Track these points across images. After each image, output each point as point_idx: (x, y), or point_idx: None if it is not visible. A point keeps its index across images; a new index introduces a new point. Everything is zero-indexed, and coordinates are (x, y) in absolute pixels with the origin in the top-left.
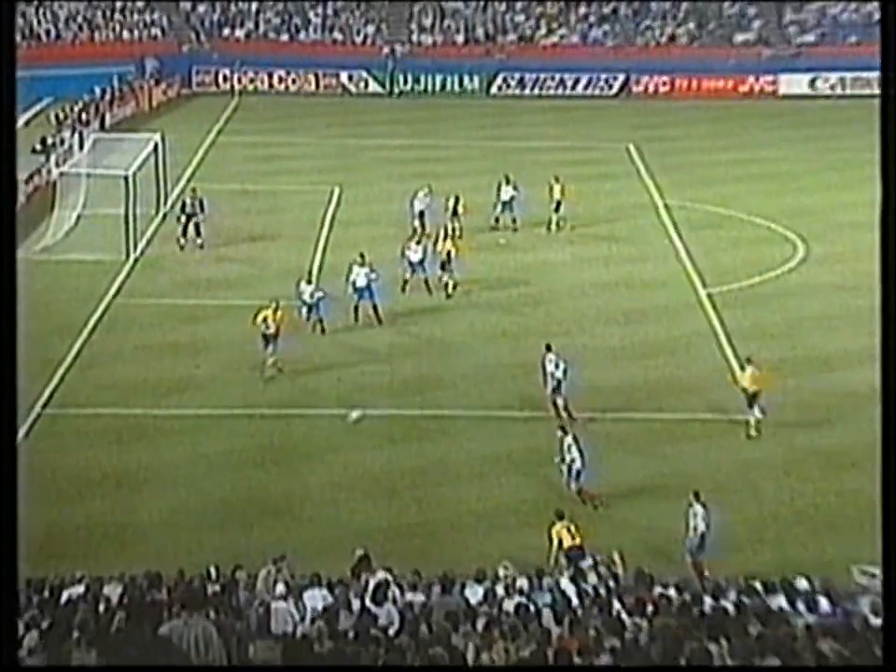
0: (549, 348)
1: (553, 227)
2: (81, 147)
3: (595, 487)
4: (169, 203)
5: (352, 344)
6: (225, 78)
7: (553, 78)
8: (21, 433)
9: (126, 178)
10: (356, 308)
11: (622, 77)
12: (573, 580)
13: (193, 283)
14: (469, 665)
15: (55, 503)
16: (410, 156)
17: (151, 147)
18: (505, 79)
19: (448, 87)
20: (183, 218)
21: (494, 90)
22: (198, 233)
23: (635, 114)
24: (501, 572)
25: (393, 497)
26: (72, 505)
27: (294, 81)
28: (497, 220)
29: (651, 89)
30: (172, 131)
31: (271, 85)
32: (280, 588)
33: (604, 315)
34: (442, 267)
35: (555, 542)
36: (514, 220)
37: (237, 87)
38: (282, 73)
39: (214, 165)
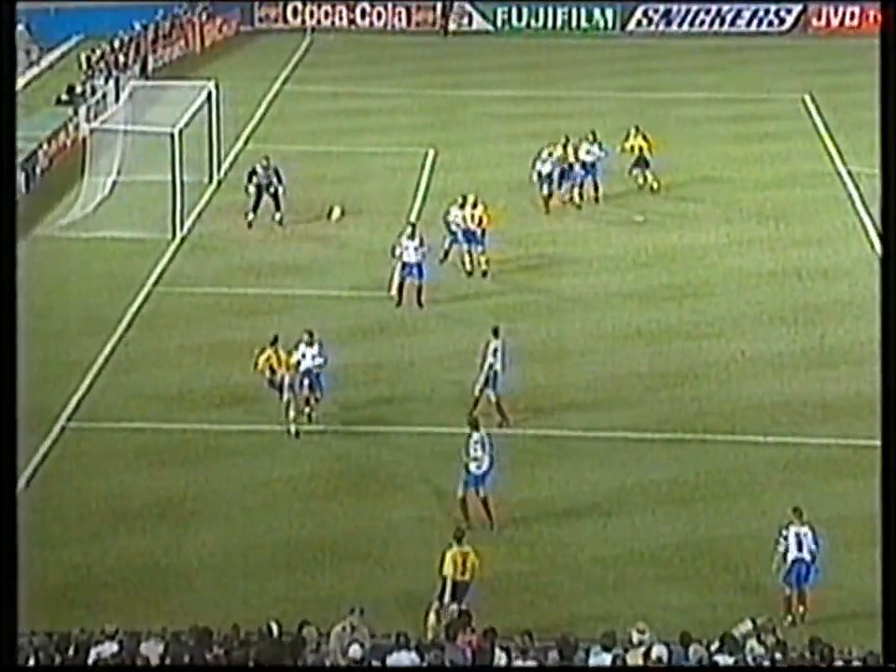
0: (496, 333)
1: (647, 188)
2: (117, 97)
3: (741, 530)
4: (224, 168)
5: (445, 345)
6: (295, 12)
7: (707, 11)
8: (40, 452)
9: (172, 136)
10: (399, 287)
11: (797, 9)
12: (724, 648)
13: (254, 268)
14: None
15: (82, 539)
16: (523, 111)
17: (203, 97)
18: (646, 13)
19: (573, 22)
20: (253, 190)
21: (631, 25)
22: (277, 206)
23: (813, 56)
24: (635, 636)
25: (499, 539)
26: (102, 542)
27: (380, 16)
28: (581, 187)
29: (834, 23)
30: (228, 77)
31: (351, 20)
32: (356, 650)
33: (768, 313)
34: (469, 238)
35: (446, 571)
36: (597, 188)
37: (309, 23)
38: (365, 5)
39: (280, 121)
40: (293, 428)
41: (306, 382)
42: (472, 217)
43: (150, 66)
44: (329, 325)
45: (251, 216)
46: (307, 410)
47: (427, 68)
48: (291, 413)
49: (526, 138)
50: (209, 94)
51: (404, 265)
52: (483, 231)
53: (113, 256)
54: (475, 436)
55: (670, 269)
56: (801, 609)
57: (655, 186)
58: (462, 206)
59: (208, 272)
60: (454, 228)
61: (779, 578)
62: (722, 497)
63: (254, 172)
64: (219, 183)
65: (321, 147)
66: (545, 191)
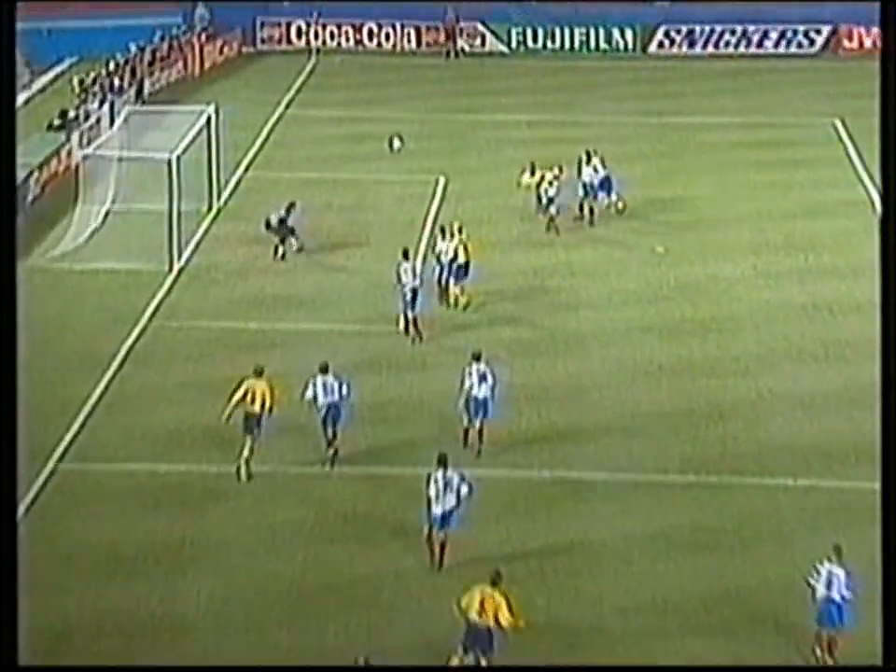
0: (477, 358)
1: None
2: (112, 122)
3: (769, 578)
4: (224, 196)
5: (456, 383)
6: (299, 33)
7: (732, 32)
8: (31, 493)
9: (170, 163)
10: (405, 317)
11: (826, 30)
12: None
13: (256, 301)
14: None
15: (74, 586)
16: (540, 136)
17: (202, 122)
18: (668, 34)
19: (591, 44)
20: (274, 231)
21: (653, 47)
22: (294, 236)
23: (843, 79)
24: None
25: (512, 587)
26: (95, 589)
27: (388, 37)
28: (580, 210)
29: (867, 44)
30: (229, 101)
31: (358, 41)
32: None
33: (797, 349)
34: (452, 272)
35: (461, 606)
36: (592, 211)
37: (315, 44)
38: (373, 25)
39: (283, 147)
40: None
41: (328, 418)
42: (453, 248)
43: (147, 90)
44: (334, 360)
45: (281, 248)
46: (330, 452)
47: (437, 91)
48: (246, 452)
49: (542, 165)
50: (208, 119)
51: (403, 294)
52: (466, 263)
53: (107, 288)
54: (438, 474)
55: (694, 302)
56: (827, 652)
57: (621, 206)
58: (444, 236)
59: (207, 305)
60: (442, 259)
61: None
62: (750, 542)
63: (282, 219)
64: (219, 212)
65: (326, 174)
66: (550, 215)
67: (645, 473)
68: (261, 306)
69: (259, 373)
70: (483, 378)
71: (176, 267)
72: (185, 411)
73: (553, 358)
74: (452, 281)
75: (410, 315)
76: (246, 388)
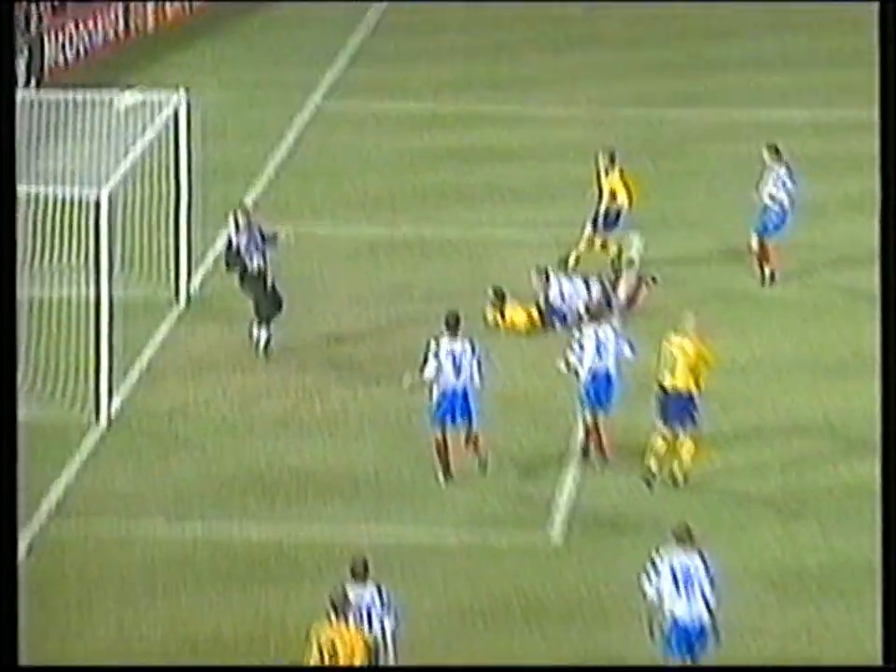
0: (682, 537)
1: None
2: None
3: None
4: (201, 273)
5: None
6: None
7: None
8: None
9: (98, 206)
10: (440, 445)
11: None
12: None
13: (259, 480)
14: None
15: None
16: (840, 150)
17: (162, 124)
18: None
19: None
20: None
21: None
22: (264, 327)
23: None
24: None
25: None
26: None
27: None
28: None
29: None
30: (212, 84)
31: None
32: None
33: None
34: (664, 404)
35: None
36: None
37: None
38: None
39: (321, 174)
40: None
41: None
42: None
43: (48, 60)
44: (405, 593)
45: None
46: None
47: (622, 60)
48: None
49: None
50: (175, 118)
51: (440, 395)
52: (689, 392)
53: None
54: None
55: None
56: None
57: (631, 262)
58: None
59: (163, 488)
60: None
61: None
62: None
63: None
64: (190, 302)
65: (403, 228)
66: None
67: None
68: (273, 491)
69: (337, 610)
70: (687, 583)
71: (105, 413)
72: None
73: None
74: (667, 420)
75: (460, 431)
76: (322, 640)
